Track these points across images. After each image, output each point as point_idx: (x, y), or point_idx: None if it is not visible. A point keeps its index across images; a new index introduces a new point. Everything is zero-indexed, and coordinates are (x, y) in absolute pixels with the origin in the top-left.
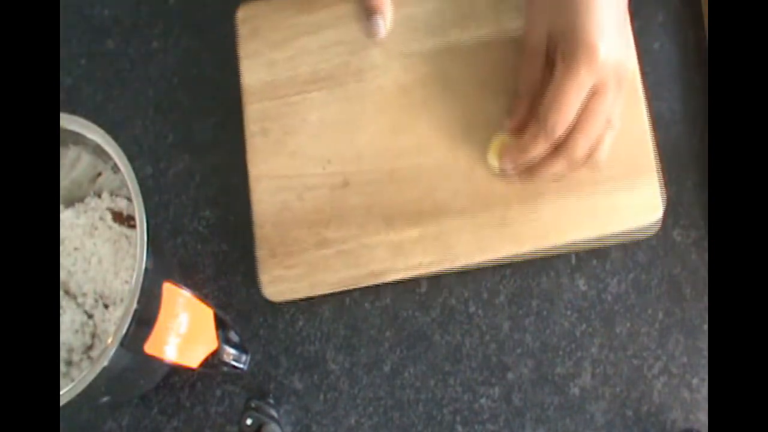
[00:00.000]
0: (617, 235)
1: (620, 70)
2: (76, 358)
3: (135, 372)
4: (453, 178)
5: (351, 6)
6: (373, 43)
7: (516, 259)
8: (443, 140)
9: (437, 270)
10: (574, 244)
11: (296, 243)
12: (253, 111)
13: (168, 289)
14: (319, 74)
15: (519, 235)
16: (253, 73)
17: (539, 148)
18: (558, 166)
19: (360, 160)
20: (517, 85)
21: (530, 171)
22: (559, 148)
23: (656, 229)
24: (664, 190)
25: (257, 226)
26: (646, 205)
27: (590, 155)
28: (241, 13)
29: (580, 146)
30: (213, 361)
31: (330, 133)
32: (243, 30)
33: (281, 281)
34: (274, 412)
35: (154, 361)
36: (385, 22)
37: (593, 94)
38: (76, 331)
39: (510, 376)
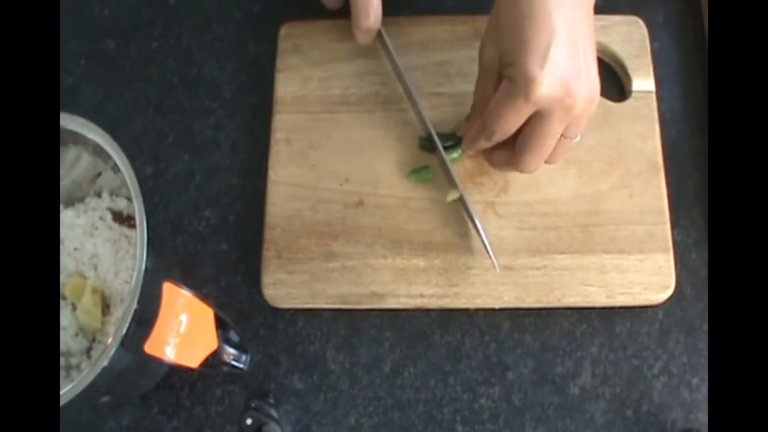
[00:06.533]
0: (624, 306)
1: (568, 100)
2: (75, 358)
3: (135, 372)
4: (465, 217)
5: (388, 41)
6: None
7: (518, 312)
8: (461, 179)
9: (437, 306)
10: (580, 307)
11: (303, 251)
12: (281, 120)
13: (168, 289)
14: (349, 98)
15: (524, 284)
16: (287, 85)
17: (482, 145)
18: (508, 166)
19: (377, 184)
20: (474, 97)
21: (488, 157)
22: (511, 157)
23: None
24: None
25: (268, 228)
26: (657, 283)
27: (544, 162)
28: (284, 30)
29: (528, 162)
30: (213, 361)
31: (352, 153)
32: (283, 45)
33: (282, 285)
34: (274, 412)
35: (154, 361)
36: (371, 36)
37: (538, 116)
38: (76, 333)
39: (510, 376)
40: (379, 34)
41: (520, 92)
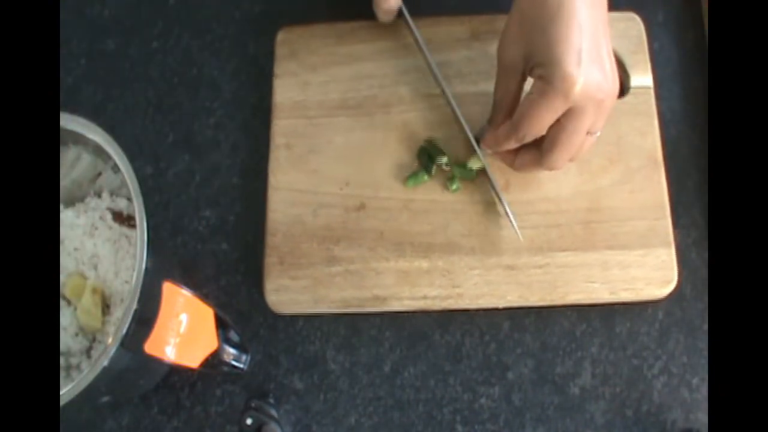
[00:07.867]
0: (627, 302)
1: (600, 95)
2: (75, 358)
3: (135, 372)
4: (467, 218)
5: (386, 44)
6: (404, 81)
7: (519, 311)
8: (460, 179)
9: (441, 307)
10: (582, 305)
11: (305, 256)
12: (280, 126)
13: (168, 289)
14: (348, 102)
15: (527, 283)
16: (285, 91)
17: (510, 145)
18: (535, 166)
19: (377, 187)
20: (494, 97)
21: (510, 161)
22: (540, 157)
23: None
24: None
25: (269, 234)
26: (659, 277)
27: (569, 160)
28: (281, 35)
29: (557, 159)
30: (213, 361)
31: (352, 157)
32: (281, 50)
33: (285, 291)
34: (274, 412)
35: (154, 361)
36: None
37: (570, 114)
38: (76, 333)
39: (510, 376)
40: (411, 32)
41: (557, 92)
